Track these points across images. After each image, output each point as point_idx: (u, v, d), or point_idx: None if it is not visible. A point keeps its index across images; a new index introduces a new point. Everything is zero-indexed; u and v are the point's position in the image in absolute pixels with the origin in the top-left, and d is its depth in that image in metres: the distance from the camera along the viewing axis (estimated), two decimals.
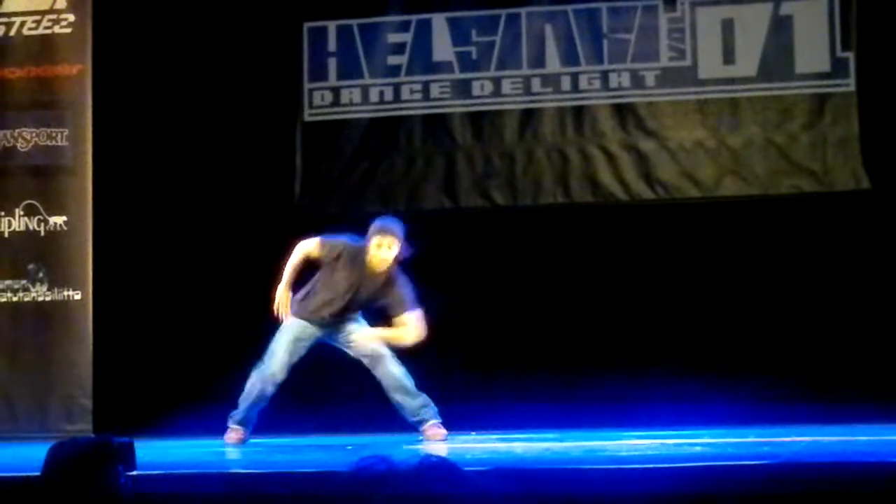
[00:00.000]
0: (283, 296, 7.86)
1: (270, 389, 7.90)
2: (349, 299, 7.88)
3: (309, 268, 8.03)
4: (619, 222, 9.26)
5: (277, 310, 7.87)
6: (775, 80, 9.15)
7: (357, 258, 7.86)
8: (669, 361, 8.76)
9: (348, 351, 7.98)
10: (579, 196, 9.35)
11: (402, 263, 7.89)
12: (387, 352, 7.79)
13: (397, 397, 7.79)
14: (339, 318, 7.94)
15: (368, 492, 1.82)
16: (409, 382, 7.78)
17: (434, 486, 1.85)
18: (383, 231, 7.81)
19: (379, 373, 7.82)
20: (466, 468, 2.14)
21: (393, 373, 7.77)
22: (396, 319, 7.85)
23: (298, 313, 7.92)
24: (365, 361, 7.89)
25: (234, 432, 7.97)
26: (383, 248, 7.77)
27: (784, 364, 8.77)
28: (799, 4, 9.16)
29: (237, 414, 7.98)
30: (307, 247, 7.94)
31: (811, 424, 7.93)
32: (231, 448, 7.83)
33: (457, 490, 1.85)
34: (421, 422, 7.83)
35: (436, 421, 7.83)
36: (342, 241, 7.96)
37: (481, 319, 8.91)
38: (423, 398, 7.80)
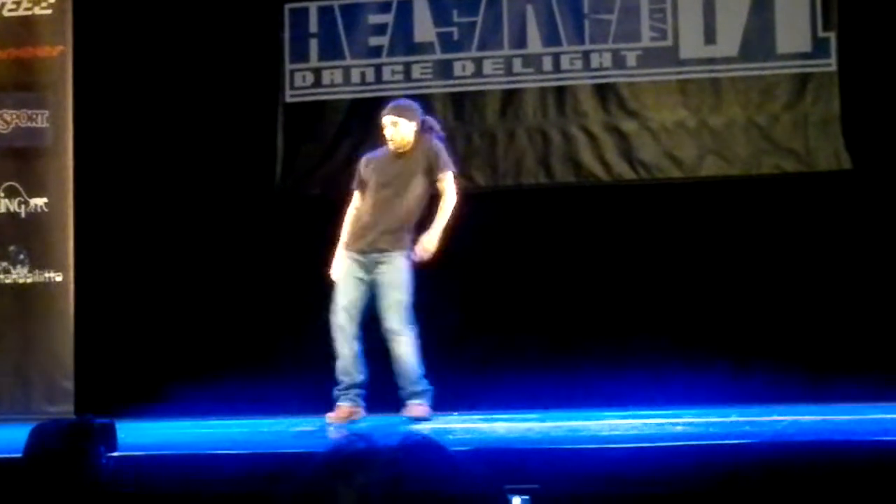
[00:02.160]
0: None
1: (337, 336, 7.76)
2: (382, 200, 7.86)
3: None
4: (600, 203, 9.26)
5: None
6: (757, 60, 9.14)
7: (380, 153, 7.99)
8: (651, 341, 8.78)
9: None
10: (561, 176, 9.35)
11: (431, 133, 8.01)
12: (396, 326, 7.72)
13: (396, 368, 7.76)
14: (374, 234, 7.87)
15: (346, 473, 1.81)
16: (406, 356, 7.71)
17: (416, 465, 1.84)
18: (383, 115, 7.95)
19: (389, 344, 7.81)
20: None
21: (394, 347, 7.73)
22: (437, 184, 7.88)
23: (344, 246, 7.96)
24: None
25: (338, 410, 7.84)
26: (388, 129, 7.91)
27: (766, 343, 8.79)
28: None
29: (337, 390, 7.86)
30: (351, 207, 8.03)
31: (793, 404, 7.95)
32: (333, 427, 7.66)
33: (439, 471, 1.85)
34: (405, 396, 7.81)
35: (421, 401, 7.80)
36: (362, 159, 8.08)
37: (461, 300, 8.90)
38: (413, 376, 7.74)
